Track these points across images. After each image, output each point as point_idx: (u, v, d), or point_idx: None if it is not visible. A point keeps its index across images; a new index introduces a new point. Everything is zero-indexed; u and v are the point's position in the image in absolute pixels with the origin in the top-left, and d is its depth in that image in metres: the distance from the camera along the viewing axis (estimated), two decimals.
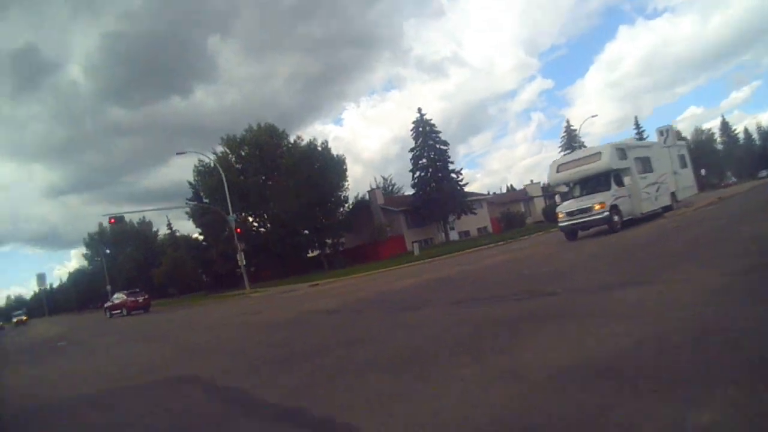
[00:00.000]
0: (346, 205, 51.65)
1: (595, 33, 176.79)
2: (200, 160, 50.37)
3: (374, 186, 68.69)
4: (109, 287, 63.37)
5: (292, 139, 51.62)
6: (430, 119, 50.59)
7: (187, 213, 54.25)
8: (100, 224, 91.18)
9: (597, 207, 19.61)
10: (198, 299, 43.86)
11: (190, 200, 53.40)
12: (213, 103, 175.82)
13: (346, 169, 50.55)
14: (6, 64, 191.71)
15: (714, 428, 2.45)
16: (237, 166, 49.02)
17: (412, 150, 50.34)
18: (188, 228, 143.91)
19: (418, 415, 3.28)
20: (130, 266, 77.88)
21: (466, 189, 52.54)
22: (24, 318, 71.72)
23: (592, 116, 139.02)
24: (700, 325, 4.08)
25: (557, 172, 23.10)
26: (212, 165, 46.72)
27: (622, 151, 21.43)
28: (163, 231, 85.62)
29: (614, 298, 6.24)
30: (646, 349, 3.81)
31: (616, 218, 19.60)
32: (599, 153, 21.36)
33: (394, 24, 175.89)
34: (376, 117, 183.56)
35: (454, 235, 50.11)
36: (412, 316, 8.28)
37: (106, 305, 43.91)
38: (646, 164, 22.32)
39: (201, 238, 56.77)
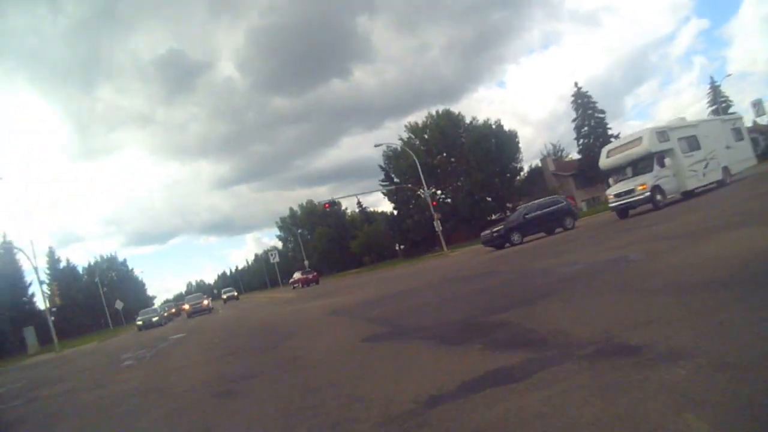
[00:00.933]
0: (522, 173, 61.73)
1: None
2: (388, 146, 62.00)
3: (544, 152, 77.08)
4: (306, 262, 76.50)
5: (468, 119, 62.57)
6: (586, 91, 59.63)
7: (383, 193, 66.45)
8: (291, 208, 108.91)
9: (639, 188, 22.13)
10: (398, 263, 55.07)
11: (382, 181, 65.58)
12: (373, 82, 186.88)
13: (518, 141, 61.00)
14: (154, 72, 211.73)
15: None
16: (422, 148, 60.21)
17: (574, 120, 59.52)
18: (370, 201, 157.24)
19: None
20: (323, 242, 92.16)
21: None
22: (235, 294, 74.68)
23: (728, 75, 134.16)
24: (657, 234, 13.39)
25: (606, 157, 25.77)
26: (399, 149, 58.29)
27: (663, 133, 23.48)
28: (351, 208, 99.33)
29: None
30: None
31: (658, 197, 22.03)
32: (640, 138, 23.70)
33: None
34: (538, 76, 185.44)
35: None
36: (569, 245, 18.34)
37: (290, 281, 62.72)
38: (692, 143, 23.85)
39: (395, 212, 67.80)
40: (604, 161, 25.84)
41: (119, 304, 67.18)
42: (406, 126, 64.45)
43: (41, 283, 42.95)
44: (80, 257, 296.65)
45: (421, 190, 46.61)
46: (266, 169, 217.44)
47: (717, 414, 2.42)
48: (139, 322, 44.18)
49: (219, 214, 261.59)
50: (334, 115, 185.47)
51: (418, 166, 45.25)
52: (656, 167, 22.37)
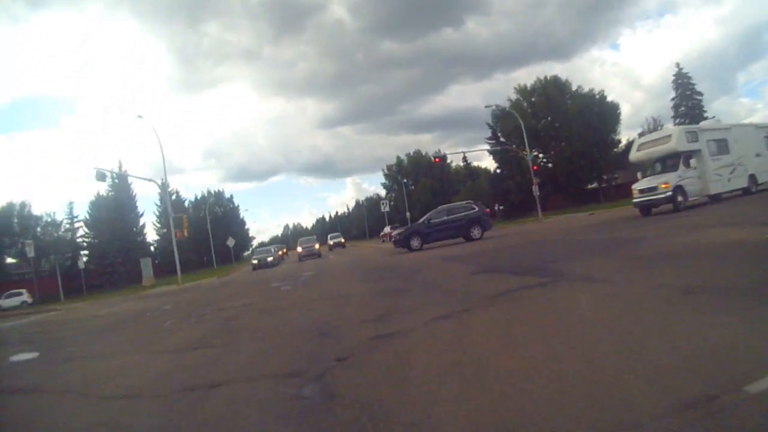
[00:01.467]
0: (620, 145, 63.94)
1: None
2: (497, 105, 65.75)
3: (644, 126, 78.77)
4: (408, 214, 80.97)
5: (574, 86, 65.96)
6: (687, 72, 64.56)
7: (488, 151, 70.68)
8: (398, 157, 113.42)
9: (662, 186, 22.36)
10: (495, 224, 59.09)
11: (488, 139, 70.04)
12: (486, 33, 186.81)
13: (619, 113, 64.13)
14: (262, 11, 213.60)
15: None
16: (528, 110, 63.76)
17: (672, 99, 63.53)
18: (474, 155, 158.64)
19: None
20: (426, 195, 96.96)
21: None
22: (342, 240, 74.35)
23: None
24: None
25: (637, 150, 26.29)
26: (507, 110, 62.05)
27: (693, 133, 23.83)
28: (455, 161, 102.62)
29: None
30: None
31: (680, 198, 22.26)
32: (669, 135, 24.15)
33: None
34: (652, 42, 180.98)
35: None
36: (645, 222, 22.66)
37: (381, 234, 71.69)
38: (721, 146, 24.04)
39: (498, 171, 71.91)
40: (635, 154, 26.51)
41: (231, 242, 70.43)
42: (515, 88, 68.88)
43: (172, 215, 43.49)
44: (180, 189, 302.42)
45: (524, 153, 50.55)
46: (372, 112, 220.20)
47: (598, 297, 7.20)
48: (255, 261, 47.28)
49: (321, 154, 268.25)
50: (444, 62, 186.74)
51: (523, 130, 49.12)
52: (681, 167, 22.84)
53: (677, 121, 61.78)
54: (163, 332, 11.97)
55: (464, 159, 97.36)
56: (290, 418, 4.10)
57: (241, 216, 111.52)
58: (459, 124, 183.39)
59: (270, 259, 46.84)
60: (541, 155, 64.90)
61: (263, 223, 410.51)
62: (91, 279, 63.34)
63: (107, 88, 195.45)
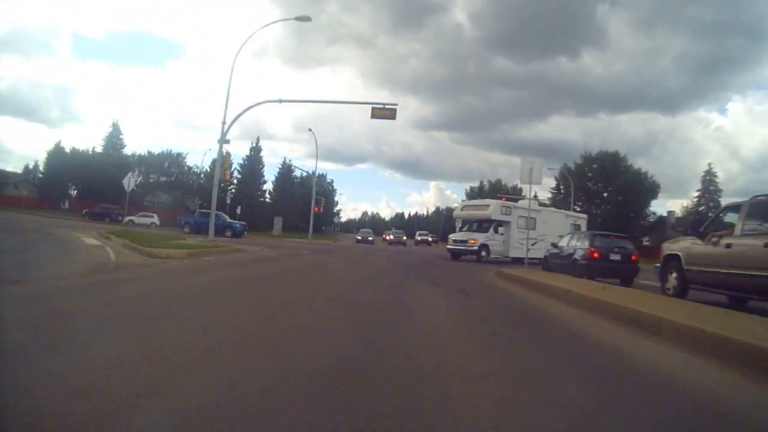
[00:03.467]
0: (648, 218, 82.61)
1: None
2: (564, 164, 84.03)
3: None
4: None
5: (629, 162, 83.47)
6: (715, 172, 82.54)
7: (549, 199, 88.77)
8: (481, 182, 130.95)
9: (471, 242, 27.13)
10: None
11: (552, 189, 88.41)
12: (600, 70, 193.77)
13: (658, 192, 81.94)
14: (387, 1, 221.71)
15: None
16: (588, 174, 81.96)
17: (697, 191, 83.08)
18: (543, 195, 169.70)
19: None
20: None
21: None
22: (429, 239, 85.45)
23: None
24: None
25: (461, 210, 31.74)
26: (567, 171, 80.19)
27: (507, 208, 28.21)
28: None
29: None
30: None
31: (483, 253, 27.04)
32: (488, 205, 28.66)
33: None
34: (759, 114, 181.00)
35: None
36: None
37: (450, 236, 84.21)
38: (530, 223, 26.29)
39: None
40: (458, 212, 32.73)
41: (336, 219, 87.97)
42: (581, 155, 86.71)
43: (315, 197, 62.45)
44: (266, 155, 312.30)
45: (574, 209, 68.62)
46: (470, 124, 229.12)
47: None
48: (359, 237, 64.37)
49: (411, 153, 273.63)
50: (552, 91, 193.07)
51: (572, 191, 67.39)
52: (491, 231, 28.18)
53: (699, 209, 77.72)
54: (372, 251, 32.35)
55: (535, 196, 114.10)
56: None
57: (335, 198, 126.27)
58: (552, 155, 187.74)
59: (370, 238, 63.06)
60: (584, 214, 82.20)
61: (340, 204, 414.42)
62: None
63: (213, 38, 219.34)
